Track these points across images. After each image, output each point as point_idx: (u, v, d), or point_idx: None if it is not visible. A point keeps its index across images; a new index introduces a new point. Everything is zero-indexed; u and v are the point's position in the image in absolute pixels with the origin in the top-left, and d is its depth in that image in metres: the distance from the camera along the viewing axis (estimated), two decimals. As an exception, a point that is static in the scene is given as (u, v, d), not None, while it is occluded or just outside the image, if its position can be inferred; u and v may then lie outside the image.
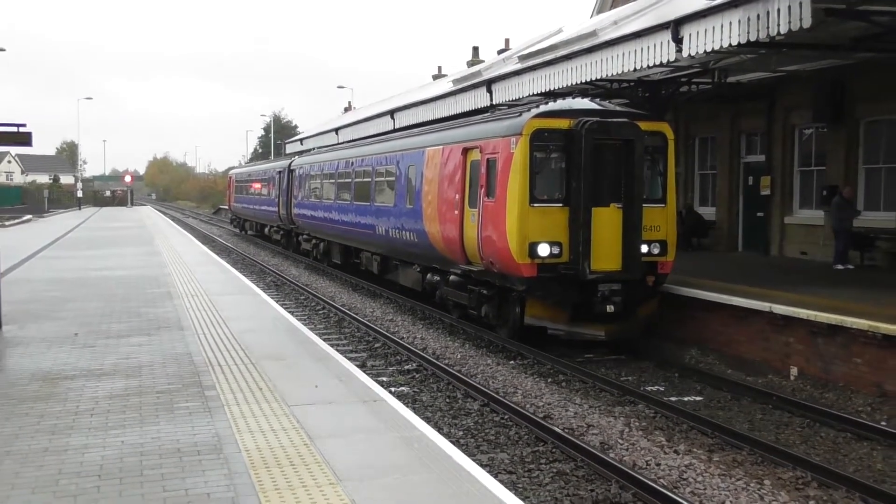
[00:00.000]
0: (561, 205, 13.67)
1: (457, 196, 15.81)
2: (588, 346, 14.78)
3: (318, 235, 29.76)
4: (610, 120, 13.83)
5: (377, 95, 67.14)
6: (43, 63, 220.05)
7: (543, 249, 13.43)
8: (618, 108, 15.24)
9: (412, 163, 18.77)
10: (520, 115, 14.27)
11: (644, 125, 13.98)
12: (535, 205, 13.59)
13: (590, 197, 13.38)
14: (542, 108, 14.39)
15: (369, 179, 22.32)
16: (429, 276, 18.45)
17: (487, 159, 14.65)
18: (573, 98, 16.40)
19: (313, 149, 38.65)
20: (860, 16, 13.38)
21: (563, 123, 13.67)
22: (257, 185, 42.27)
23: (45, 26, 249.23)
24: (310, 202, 29.94)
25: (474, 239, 14.93)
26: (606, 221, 13.54)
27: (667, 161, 14.52)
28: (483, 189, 14.71)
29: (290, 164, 34.37)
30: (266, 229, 42.03)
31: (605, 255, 13.48)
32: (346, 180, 24.81)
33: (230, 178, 58.48)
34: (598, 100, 16.00)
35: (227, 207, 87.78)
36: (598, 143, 13.43)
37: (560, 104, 14.89)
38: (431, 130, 19.44)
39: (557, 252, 13.51)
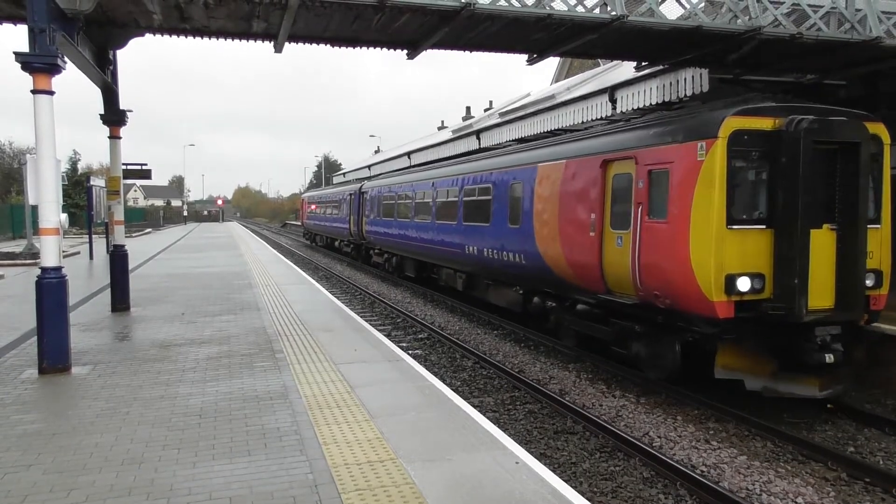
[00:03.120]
0: (763, 226, 8.22)
1: (592, 216, 10.22)
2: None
3: (390, 250, 23.59)
4: (831, 118, 8.27)
5: (398, 141, 67.20)
6: (149, 119, 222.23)
7: (743, 283, 8.01)
8: (825, 107, 8.82)
9: (517, 180, 12.98)
10: (707, 114, 8.73)
11: (868, 126, 8.49)
12: (734, 227, 8.11)
13: (807, 216, 7.98)
14: (741, 106, 8.51)
15: (455, 199, 16.34)
16: (536, 299, 12.68)
17: (650, 171, 9.07)
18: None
19: (380, 174, 31.93)
20: (742, 83, 13.38)
21: (766, 123, 8.26)
22: (328, 206, 36.53)
23: (151, 93, 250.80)
24: (383, 220, 23.68)
25: (625, 266, 9.33)
26: (820, 247, 8.16)
27: (881, 170, 8.81)
28: (642, 207, 9.09)
29: (360, 188, 28.43)
30: (336, 243, 35.55)
31: (819, 289, 8.12)
32: (426, 200, 18.64)
33: (302, 200, 52.50)
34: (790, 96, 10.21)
35: (292, 223, 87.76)
36: (816, 147, 8.07)
37: (756, 99, 9.21)
38: (542, 146, 13.10)
39: (759, 287, 8.11)
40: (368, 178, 31.72)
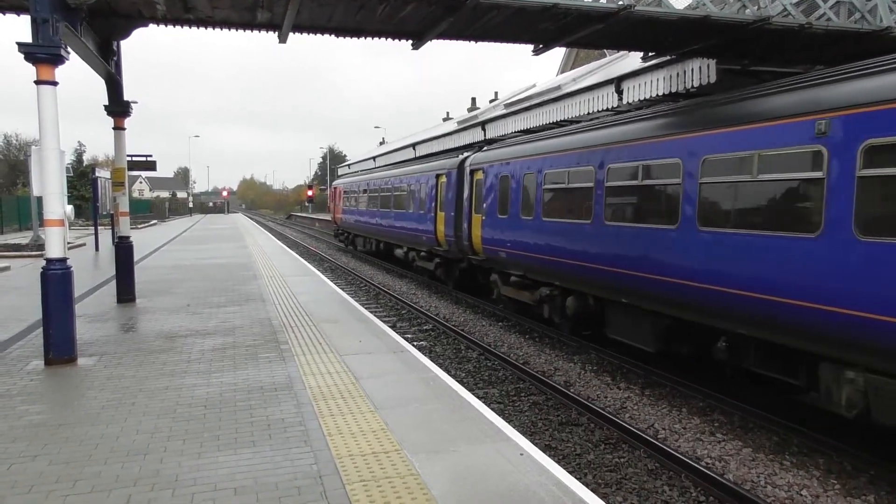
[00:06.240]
0: None
1: None
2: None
3: (560, 282, 11.94)
4: None
5: (404, 132, 67.23)
6: (153, 111, 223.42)
7: None
8: None
9: None
10: None
11: None
12: None
13: None
14: None
15: None
16: None
17: None
18: None
19: (506, 136, 17.95)
20: (751, 73, 13.27)
21: None
22: (386, 194, 24.75)
23: (153, 87, 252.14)
24: (545, 222, 12.30)
25: None
26: None
27: None
28: None
29: (463, 162, 17.18)
30: (401, 251, 23.22)
31: None
32: (759, 181, 7.34)
33: (335, 188, 38.23)
34: None
35: (297, 214, 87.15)
36: None
37: None
38: None
39: None
40: (476, 147, 18.74)
